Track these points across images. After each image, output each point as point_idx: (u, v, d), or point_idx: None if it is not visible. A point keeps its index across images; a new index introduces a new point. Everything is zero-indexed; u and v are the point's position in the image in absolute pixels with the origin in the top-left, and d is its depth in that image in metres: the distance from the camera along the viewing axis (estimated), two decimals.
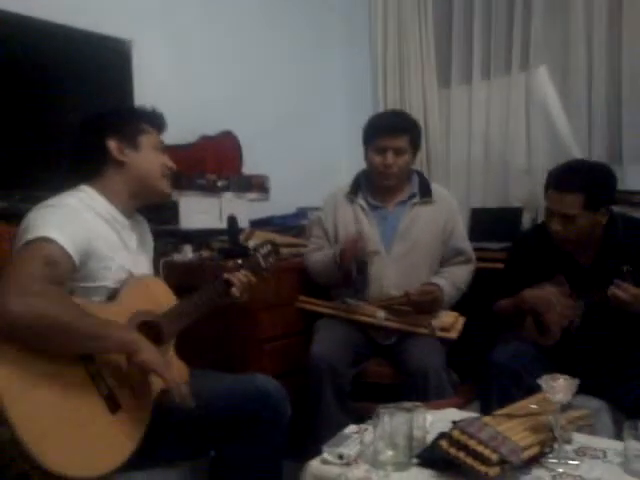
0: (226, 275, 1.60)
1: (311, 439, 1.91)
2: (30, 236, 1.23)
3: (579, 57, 2.78)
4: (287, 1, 3.12)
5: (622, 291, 1.66)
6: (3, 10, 1.88)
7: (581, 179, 1.75)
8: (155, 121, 1.55)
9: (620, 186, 1.97)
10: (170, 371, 1.29)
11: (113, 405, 1.26)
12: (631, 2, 2.64)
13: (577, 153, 2.72)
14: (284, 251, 2.29)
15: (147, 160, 1.50)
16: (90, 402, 1.23)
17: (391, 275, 2.14)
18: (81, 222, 1.33)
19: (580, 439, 1.35)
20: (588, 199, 1.73)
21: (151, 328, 1.41)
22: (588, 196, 1.73)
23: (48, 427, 1.14)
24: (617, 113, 2.72)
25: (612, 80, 2.73)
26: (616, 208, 1.92)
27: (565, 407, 1.29)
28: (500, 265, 2.14)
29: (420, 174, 2.32)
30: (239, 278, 1.61)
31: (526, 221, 2.87)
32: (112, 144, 1.45)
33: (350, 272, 2.10)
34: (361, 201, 2.23)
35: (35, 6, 1.96)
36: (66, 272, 1.25)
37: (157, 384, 1.37)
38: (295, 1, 3.17)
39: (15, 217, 1.43)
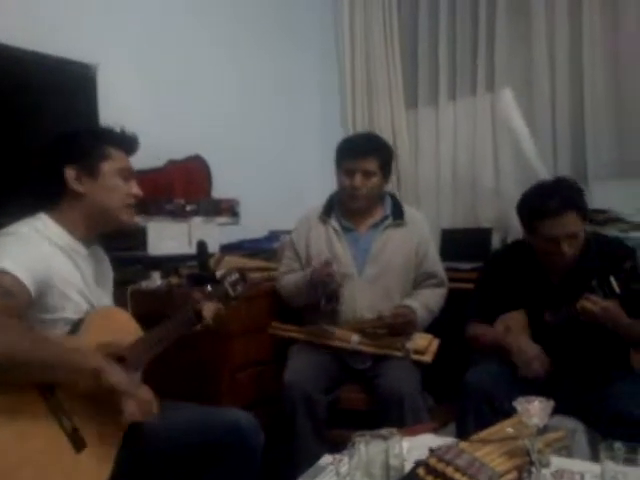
0: (197, 307, 1.55)
1: (287, 468, 1.87)
2: None
3: (543, 79, 2.85)
4: (258, 25, 3.13)
5: (591, 303, 1.68)
6: None
7: (569, 196, 1.77)
8: (122, 144, 1.48)
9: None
10: (140, 391, 1.26)
11: (78, 443, 1.21)
12: (591, 25, 2.73)
13: (543, 173, 2.76)
14: (256, 275, 2.26)
15: (106, 190, 1.42)
16: (54, 441, 1.18)
17: (364, 298, 2.13)
18: (37, 252, 1.28)
19: (557, 462, 1.34)
20: (582, 212, 1.76)
21: (116, 361, 1.36)
22: (580, 209, 1.76)
23: (9, 469, 1.09)
24: (581, 133, 2.78)
25: (575, 101, 2.80)
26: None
27: (541, 429, 1.28)
28: (470, 285, 2.15)
29: (393, 196, 2.32)
30: (210, 309, 1.57)
31: (496, 241, 2.90)
32: (69, 173, 1.39)
33: (321, 295, 2.07)
34: (334, 223, 2.22)
35: None
36: (22, 303, 1.20)
37: (124, 419, 1.32)
38: (267, 26, 3.18)
39: None
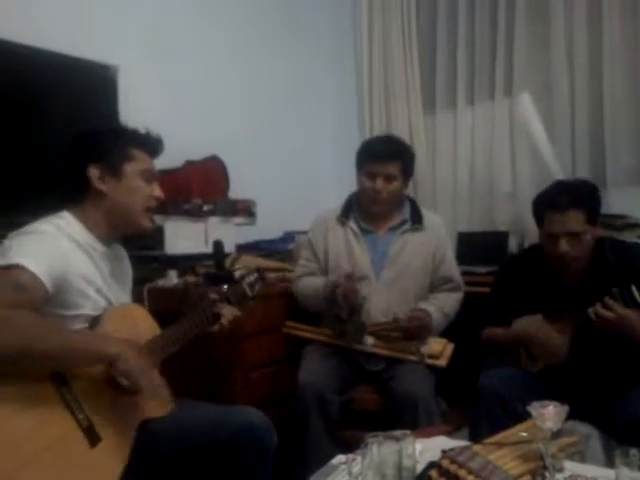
0: (215, 308, 1.56)
1: (299, 468, 1.88)
2: (3, 263, 1.20)
3: (562, 82, 2.83)
4: (275, 28, 3.15)
5: (607, 310, 1.66)
6: None
7: (577, 195, 1.76)
8: (147, 146, 1.48)
9: (604, 210, 1.98)
10: (149, 377, 1.27)
11: (93, 438, 1.23)
12: (611, 28, 2.70)
13: (561, 178, 2.74)
14: (271, 276, 2.27)
15: (129, 191, 1.43)
16: (69, 434, 1.20)
17: (379, 301, 2.12)
18: (56, 249, 1.29)
19: (571, 467, 1.33)
20: (589, 214, 1.75)
21: None
22: (588, 210, 1.75)
23: (25, 460, 1.11)
24: (600, 138, 2.76)
25: (594, 105, 2.77)
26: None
27: (555, 434, 1.27)
28: (486, 289, 2.14)
29: (412, 201, 2.31)
30: (228, 313, 1.58)
31: (512, 245, 2.88)
32: (93, 172, 1.40)
33: (341, 317, 2.06)
34: (352, 224, 2.21)
35: (21, 32, 1.96)
36: (37, 299, 1.21)
37: (139, 414, 1.34)
38: (283, 28, 3.20)
39: None
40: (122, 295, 1.51)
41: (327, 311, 2.14)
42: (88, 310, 1.34)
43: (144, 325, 1.47)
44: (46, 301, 1.25)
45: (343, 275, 2.04)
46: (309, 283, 2.19)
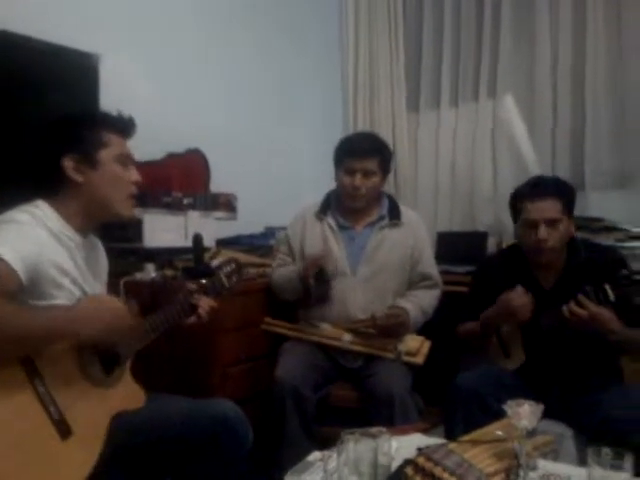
0: (192, 299, 1.56)
1: (275, 465, 1.87)
2: None
3: (544, 85, 2.86)
4: (261, 24, 3.13)
5: (580, 307, 1.68)
6: None
7: (554, 185, 1.82)
8: (119, 127, 1.44)
9: (582, 213, 2.01)
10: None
11: (64, 430, 1.21)
12: (595, 32, 2.73)
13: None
14: (251, 271, 2.26)
15: (108, 180, 1.39)
16: (39, 427, 1.18)
17: (357, 297, 2.13)
18: (32, 239, 1.26)
19: (545, 466, 1.34)
20: (565, 203, 1.79)
21: (107, 349, 1.36)
22: (564, 200, 1.79)
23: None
24: (580, 141, 2.80)
25: (576, 108, 2.81)
26: (578, 234, 1.96)
27: (530, 433, 1.28)
28: (464, 289, 2.15)
29: (390, 197, 2.32)
30: (205, 303, 1.57)
31: (491, 246, 2.90)
32: (68, 163, 1.36)
33: (310, 286, 2.08)
34: (330, 220, 2.22)
35: (1, 19, 1.91)
36: (10, 288, 1.18)
37: (111, 407, 1.32)
38: (269, 24, 3.18)
39: None
40: (97, 286, 1.48)
41: (300, 299, 2.16)
42: (62, 300, 1.31)
43: (117, 314, 1.43)
44: (20, 291, 1.22)
45: (315, 254, 2.12)
46: (283, 271, 2.22)
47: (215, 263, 1.77)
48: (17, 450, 1.12)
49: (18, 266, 1.19)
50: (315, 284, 2.08)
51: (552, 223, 1.77)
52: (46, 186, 1.39)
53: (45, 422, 1.19)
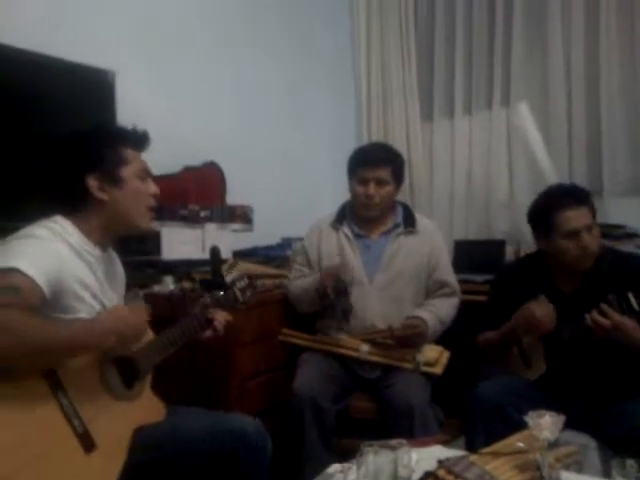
0: (208, 313, 1.57)
1: (295, 477, 1.87)
2: None
3: (559, 92, 2.84)
4: (272, 34, 3.16)
5: (603, 317, 1.66)
6: None
7: (581, 193, 1.83)
8: (136, 142, 1.46)
9: (601, 219, 1.99)
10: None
11: (88, 444, 1.22)
12: (608, 37, 2.71)
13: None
14: (267, 282, 2.27)
15: (130, 196, 1.42)
16: (63, 440, 1.19)
17: (374, 305, 2.13)
18: (52, 253, 1.27)
19: (568, 477, 1.32)
20: (593, 210, 1.81)
21: (126, 363, 1.37)
22: (592, 207, 1.81)
23: (20, 466, 1.10)
24: (597, 148, 2.77)
25: (591, 115, 2.79)
26: None
27: (552, 444, 1.26)
28: (482, 298, 2.13)
29: (405, 206, 2.33)
30: (221, 317, 1.58)
31: (509, 254, 2.88)
32: (92, 182, 1.38)
33: (329, 297, 2.07)
34: (346, 229, 2.24)
35: (18, 36, 1.95)
36: (33, 302, 1.19)
37: (134, 420, 1.33)
38: (282, 37, 3.21)
39: None
40: (115, 298, 1.49)
41: (320, 301, 2.14)
42: (84, 314, 1.32)
43: None
44: (43, 305, 1.23)
45: (333, 265, 2.11)
46: (300, 282, 2.22)
47: (229, 277, 1.78)
48: (42, 463, 1.13)
49: (41, 280, 1.20)
50: (335, 296, 2.07)
51: (590, 229, 1.77)
52: (67, 203, 1.41)
53: (69, 435, 1.19)
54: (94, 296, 1.36)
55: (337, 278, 2.05)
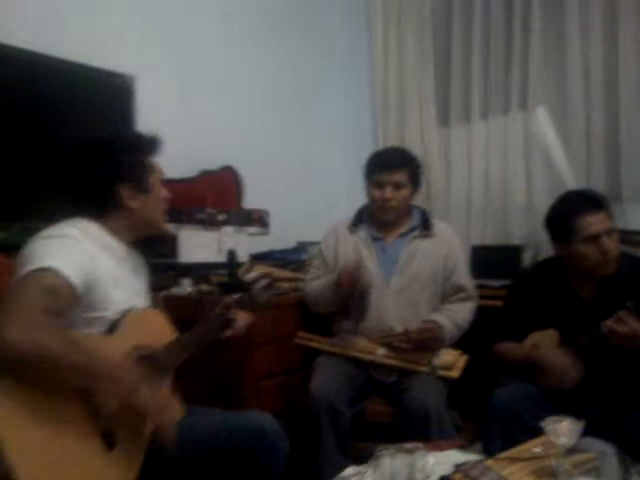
0: (230, 315, 1.59)
1: (311, 479, 1.87)
2: (30, 267, 1.20)
3: (577, 96, 2.82)
4: (290, 39, 3.18)
5: (621, 325, 1.64)
6: (9, 45, 1.91)
7: (599, 197, 1.81)
8: (155, 149, 1.51)
9: (620, 225, 1.97)
10: (161, 416, 1.27)
11: (109, 442, 1.23)
12: (626, 41, 2.68)
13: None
14: (284, 286, 2.28)
15: (155, 201, 1.49)
16: (87, 438, 1.20)
17: (390, 308, 2.13)
18: (82, 251, 1.30)
19: None
20: (610, 214, 1.79)
21: (150, 362, 1.38)
22: (610, 211, 1.79)
23: (45, 466, 1.11)
24: (616, 153, 2.74)
25: (610, 119, 2.75)
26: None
27: (570, 450, 1.25)
28: (499, 303, 2.12)
29: (421, 210, 2.34)
30: (243, 318, 1.61)
31: (526, 259, 2.86)
32: (124, 191, 1.43)
33: (347, 297, 2.09)
34: (362, 232, 2.24)
35: (39, 41, 1.99)
36: (67, 302, 1.22)
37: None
38: (298, 40, 3.23)
39: (14, 249, 1.41)
40: (141, 299, 1.51)
41: (336, 301, 2.15)
42: (110, 313, 1.34)
43: (162, 330, 1.47)
44: (77, 303, 1.25)
45: (350, 264, 2.10)
46: (316, 283, 2.24)
47: (250, 276, 1.80)
48: (66, 462, 1.14)
49: (74, 279, 1.22)
50: (352, 292, 2.07)
51: (610, 233, 1.76)
52: (96, 208, 1.44)
53: (92, 432, 1.20)
54: (122, 293, 1.38)
55: (354, 275, 2.05)
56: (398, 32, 3.34)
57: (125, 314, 1.37)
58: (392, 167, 2.16)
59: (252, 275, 1.83)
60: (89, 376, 1.19)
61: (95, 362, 1.19)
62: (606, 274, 1.80)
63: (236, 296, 1.66)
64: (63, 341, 1.16)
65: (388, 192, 2.15)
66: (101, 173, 1.43)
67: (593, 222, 1.75)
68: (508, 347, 1.93)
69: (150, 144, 1.50)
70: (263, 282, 1.73)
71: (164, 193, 1.52)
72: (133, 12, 2.44)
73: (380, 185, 2.16)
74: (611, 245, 1.75)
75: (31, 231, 1.36)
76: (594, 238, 1.75)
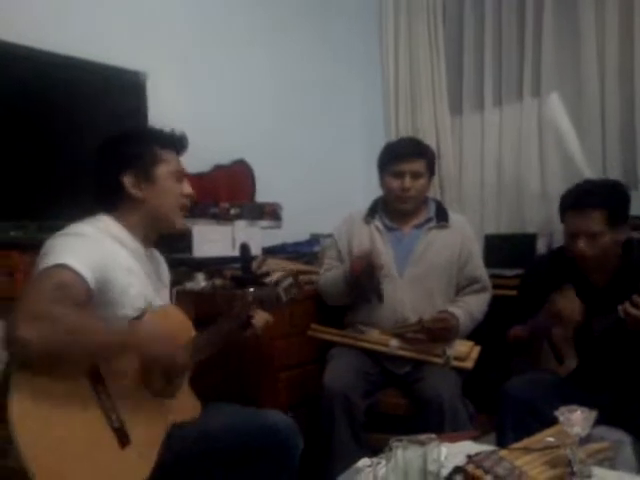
0: (252, 315, 1.59)
1: (324, 471, 1.89)
2: (45, 264, 1.22)
3: (591, 81, 2.78)
4: (303, 34, 3.17)
5: (635, 307, 1.63)
6: (21, 45, 1.93)
7: (600, 195, 1.75)
8: (173, 144, 1.50)
9: (634, 211, 1.95)
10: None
11: (123, 439, 1.24)
12: None
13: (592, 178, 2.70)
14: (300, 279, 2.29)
15: (163, 193, 1.46)
16: (101, 435, 1.21)
17: (404, 298, 2.13)
18: (99, 249, 1.31)
19: (600, 474, 1.30)
20: (610, 215, 1.73)
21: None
22: (610, 212, 1.73)
23: (62, 463, 1.13)
24: (631, 137, 2.70)
25: (625, 104, 2.72)
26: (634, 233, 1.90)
27: (584, 440, 1.25)
28: (514, 292, 2.12)
29: (437, 201, 2.34)
30: (261, 318, 1.60)
31: (541, 247, 2.84)
32: (128, 180, 1.42)
33: (361, 286, 2.09)
34: (377, 222, 2.24)
35: (51, 39, 2.01)
36: (80, 296, 1.22)
37: (169, 417, 1.36)
38: (310, 34, 3.22)
39: (30, 247, 1.44)
40: (162, 297, 1.52)
41: (350, 292, 2.16)
42: (129, 311, 1.35)
43: (182, 328, 1.47)
44: (89, 300, 1.26)
45: (363, 251, 2.11)
46: (330, 274, 2.24)
47: (274, 278, 1.79)
48: (81, 460, 1.16)
49: (88, 275, 1.23)
50: (366, 280, 2.07)
51: (592, 236, 1.73)
52: (106, 201, 1.45)
53: (106, 430, 1.22)
54: (140, 291, 1.38)
55: (368, 263, 2.04)
56: (409, 21, 3.32)
57: (145, 311, 1.37)
58: (410, 157, 2.16)
59: (276, 275, 1.82)
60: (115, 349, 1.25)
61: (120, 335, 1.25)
62: (587, 268, 1.81)
63: (258, 295, 1.64)
64: (74, 322, 1.17)
65: (407, 181, 2.14)
66: (106, 164, 1.45)
67: (571, 221, 1.78)
68: (518, 328, 1.94)
69: (164, 137, 1.49)
70: (287, 282, 1.72)
71: (182, 189, 1.50)
72: (144, 8, 2.45)
73: (398, 175, 2.16)
74: (582, 247, 1.75)
75: (47, 229, 1.39)
76: (571, 235, 1.78)
